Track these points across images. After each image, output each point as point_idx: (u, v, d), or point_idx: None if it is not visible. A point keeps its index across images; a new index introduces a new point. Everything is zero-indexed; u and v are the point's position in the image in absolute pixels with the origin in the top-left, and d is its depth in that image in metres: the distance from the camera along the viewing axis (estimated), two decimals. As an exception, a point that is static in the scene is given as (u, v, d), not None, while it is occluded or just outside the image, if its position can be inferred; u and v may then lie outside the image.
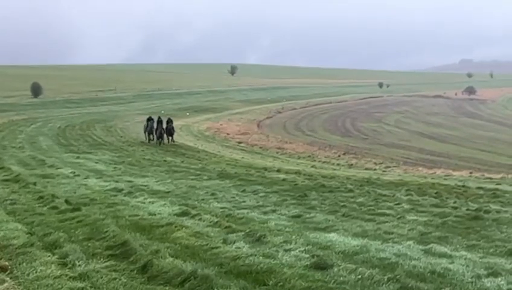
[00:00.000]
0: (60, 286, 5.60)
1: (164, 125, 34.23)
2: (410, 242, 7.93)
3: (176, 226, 8.75)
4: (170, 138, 34.69)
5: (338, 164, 31.87)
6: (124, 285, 5.71)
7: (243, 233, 8.15)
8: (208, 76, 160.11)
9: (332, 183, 16.90)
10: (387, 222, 9.84)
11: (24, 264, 6.40)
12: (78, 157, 23.84)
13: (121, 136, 38.29)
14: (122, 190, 13.66)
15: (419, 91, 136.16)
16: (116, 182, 15.52)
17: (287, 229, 8.91)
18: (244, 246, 7.38)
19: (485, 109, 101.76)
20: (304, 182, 17.18)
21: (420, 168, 29.87)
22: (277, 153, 37.12)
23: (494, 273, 6.32)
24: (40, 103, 68.34)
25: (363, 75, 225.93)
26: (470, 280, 6.11)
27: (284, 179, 17.66)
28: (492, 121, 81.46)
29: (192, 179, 16.84)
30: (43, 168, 18.85)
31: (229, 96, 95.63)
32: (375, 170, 29.01)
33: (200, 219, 9.46)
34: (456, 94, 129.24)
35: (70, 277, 5.89)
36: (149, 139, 34.92)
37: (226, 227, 8.69)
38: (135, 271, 6.15)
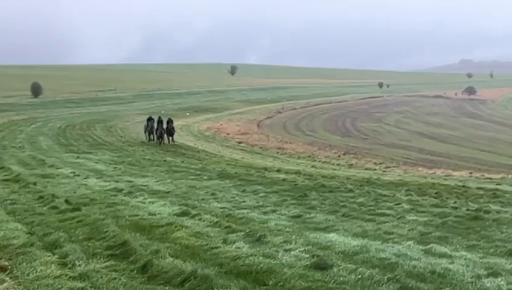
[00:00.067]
0: (60, 286, 5.60)
1: (164, 126, 34.24)
2: (410, 242, 7.93)
3: (175, 226, 8.75)
4: (170, 138, 34.69)
5: (338, 164, 31.87)
6: (124, 285, 5.71)
7: (243, 233, 8.15)
8: (208, 76, 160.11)
9: (333, 183, 16.90)
10: (387, 222, 9.83)
11: (24, 264, 6.39)
12: (78, 157, 23.84)
13: (121, 136, 38.29)
14: (122, 189, 13.65)
15: (419, 91, 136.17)
16: (116, 182, 15.52)
17: (287, 229, 8.91)
18: (244, 246, 7.38)
19: (485, 109, 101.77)
20: (304, 182, 17.17)
21: (420, 168, 29.86)
22: (277, 153, 37.12)
23: (494, 273, 6.32)
24: (40, 103, 68.35)
25: (363, 75, 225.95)
26: (470, 280, 6.11)
27: (284, 179, 17.66)
28: (492, 121, 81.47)
29: (192, 179, 16.83)
30: (43, 168, 18.85)
31: (229, 96, 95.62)
32: (375, 170, 29.01)
33: (200, 219, 9.45)
34: (456, 94, 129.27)
35: (70, 277, 5.89)
36: (149, 139, 34.93)
37: (226, 227, 8.69)
38: (135, 271, 6.15)
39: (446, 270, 6.42)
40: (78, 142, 32.61)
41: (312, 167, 28.09)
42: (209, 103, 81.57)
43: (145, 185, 14.98)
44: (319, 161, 32.95)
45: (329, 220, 9.84)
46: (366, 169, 29.33)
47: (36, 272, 6.06)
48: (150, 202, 11.78)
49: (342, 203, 12.22)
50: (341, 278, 5.96)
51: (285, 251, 7.19)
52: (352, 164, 32.36)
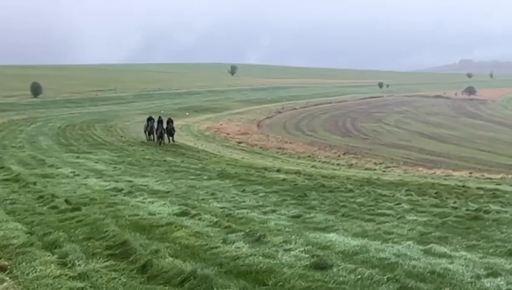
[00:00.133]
0: (59, 286, 5.60)
1: (164, 125, 34.26)
2: (410, 242, 7.93)
3: (175, 226, 8.75)
4: (170, 138, 34.71)
5: (338, 164, 31.87)
6: (124, 285, 5.70)
7: (242, 233, 8.15)
8: (208, 76, 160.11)
9: (332, 183, 16.90)
10: (387, 222, 9.83)
11: (24, 263, 6.39)
12: (78, 157, 23.84)
13: (121, 136, 38.30)
14: (122, 189, 13.65)
15: (419, 91, 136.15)
16: (116, 181, 15.53)
17: (287, 229, 8.91)
18: (243, 246, 7.38)
19: (485, 109, 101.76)
20: (303, 182, 17.17)
21: (420, 168, 29.86)
22: (277, 153, 37.12)
23: (493, 273, 6.32)
24: (40, 103, 68.36)
25: (363, 75, 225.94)
26: (469, 280, 6.10)
27: (284, 179, 17.66)
28: (492, 121, 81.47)
29: (192, 179, 16.84)
30: (43, 167, 18.85)
31: (229, 96, 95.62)
32: (375, 170, 29.01)
33: (199, 219, 9.46)
34: (456, 94, 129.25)
35: (69, 277, 5.88)
36: (149, 139, 34.93)
37: (225, 227, 8.69)
38: (135, 271, 6.15)
39: (446, 270, 6.42)
40: (78, 142, 32.62)
41: (312, 167, 28.09)
42: (209, 103, 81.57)
43: (145, 185, 14.98)
44: (319, 161, 32.95)
45: (329, 220, 9.84)
46: (366, 169, 29.33)
47: (36, 271, 6.06)
48: (149, 201, 11.78)
49: (342, 203, 12.22)
50: (341, 278, 5.96)
51: (285, 250, 7.19)
52: (352, 164, 32.36)
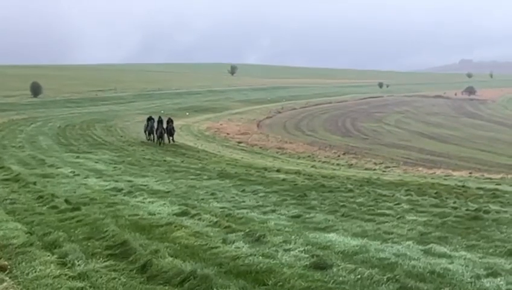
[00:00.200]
0: (59, 286, 5.59)
1: (164, 125, 34.26)
2: (410, 242, 7.93)
3: (175, 226, 8.75)
4: (170, 137, 34.71)
5: (338, 164, 31.87)
6: (124, 285, 5.70)
7: (242, 233, 8.15)
8: (208, 76, 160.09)
9: (332, 183, 16.90)
10: (387, 222, 9.83)
11: (23, 263, 6.39)
12: (78, 157, 23.84)
13: (121, 136, 38.30)
14: (122, 189, 13.65)
15: (419, 91, 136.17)
16: (116, 181, 15.52)
17: (287, 229, 8.91)
18: (243, 246, 7.38)
19: (485, 109, 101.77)
20: (303, 182, 17.17)
21: (420, 168, 29.87)
22: (277, 153, 37.13)
23: (493, 273, 6.32)
24: (40, 103, 68.34)
25: (363, 75, 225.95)
26: (469, 280, 6.10)
27: (283, 179, 17.66)
28: (492, 121, 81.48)
29: (192, 179, 16.84)
30: (43, 167, 18.85)
31: (229, 96, 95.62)
32: (375, 170, 29.01)
33: (199, 219, 9.46)
34: (456, 94, 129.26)
35: (69, 277, 5.88)
36: (149, 139, 34.94)
37: (225, 227, 8.69)
38: (134, 271, 6.15)
39: (445, 270, 6.42)
40: (78, 142, 32.61)
41: (312, 167, 28.09)
42: (209, 103, 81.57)
43: (145, 185, 14.98)
44: (319, 161, 32.96)
45: (329, 220, 9.84)
46: (366, 169, 29.33)
47: (35, 271, 6.06)
48: (149, 201, 11.78)
49: (342, 203, 12.22)
50: (340, 278, 5.96)
51: (285, 250, 7.18)
52: (352, 164, 32.36)
